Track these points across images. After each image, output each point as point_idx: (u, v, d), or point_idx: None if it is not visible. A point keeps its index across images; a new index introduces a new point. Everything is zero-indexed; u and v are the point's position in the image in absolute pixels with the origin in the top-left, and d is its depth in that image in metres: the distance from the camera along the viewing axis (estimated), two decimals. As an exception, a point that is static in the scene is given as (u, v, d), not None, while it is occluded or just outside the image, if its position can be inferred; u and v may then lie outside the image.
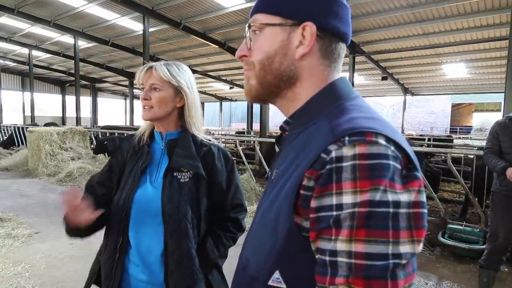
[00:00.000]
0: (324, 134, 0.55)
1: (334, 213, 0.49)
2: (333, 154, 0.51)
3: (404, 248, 0.47)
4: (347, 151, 0.50)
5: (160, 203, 1.19)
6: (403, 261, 0.47)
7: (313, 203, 0.52)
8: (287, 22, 0.64)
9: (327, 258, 0.50)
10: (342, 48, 0.67)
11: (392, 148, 0.51)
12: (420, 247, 0.50)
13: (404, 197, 0.48)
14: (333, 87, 0.64)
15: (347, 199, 0.48)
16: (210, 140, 1.32)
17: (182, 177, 1.23)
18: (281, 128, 0.70)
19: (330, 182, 0.50)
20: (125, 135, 1.45)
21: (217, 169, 1.28)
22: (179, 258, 1.18)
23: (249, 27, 0.68)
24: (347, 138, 0.51)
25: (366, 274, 0.46)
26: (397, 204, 0.48)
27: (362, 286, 0.46)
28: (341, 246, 0.48)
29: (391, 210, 0.47)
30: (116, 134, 9.29)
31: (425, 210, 0.51)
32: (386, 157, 0.49)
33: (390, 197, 0.47)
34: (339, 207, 0.49)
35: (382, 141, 0.50)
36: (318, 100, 0.64)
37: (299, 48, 0.63)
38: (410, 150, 0.53)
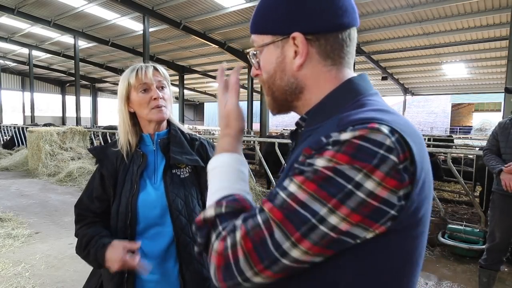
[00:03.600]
0: (331, 125, 0.56)
1: (305, 167, 0.52)
2: (332, 138, 0.52)
3: (334, 220, 0.49)
4: (345, 135, 0.51)
5: (166, 202, 1.19)
6: (325, 229, 0.49)
7: (296, 164, 0.55)
8: (277, 38, 0.65)
9: (278, 189, 0.54)
10: (346, 37, 0.64)
11: (393, 139, 0.49)
12: (355, 231, 0.50)
13: (373, 185, 0.48)
14: (350, 84, 0.63)
15: (320, 162, 0.51)
16: (195, 134, 1.36)
17: (182, 173, 1.25)
18: (297, 124, 0.70)
19: (317, 152, 0.52)
20: (109, 142, 1.40)
21: None
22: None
23: (249, 52, 0.72)
24: (350, 127, 0.51)
25: (288, 215, 0.51)
26: (359, 185, 0.48)
27: (278, 220, 0.51)
28: (291, 186, 0.52)
29: (349, 186, 0.48)
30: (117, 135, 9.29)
31: (381, 206, 0.49)
32: (380, 145, 0.49)
33: (359, 178, 0.48)
34: (311, 164, 0.52)
35: (384, 129, 0.50)
36: (334, 97, 0.63)
37: (296, 59, 0.63)
38: (416, 148, 0.51)
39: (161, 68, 1.27)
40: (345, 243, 0.51)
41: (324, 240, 0.50)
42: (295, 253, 0.51)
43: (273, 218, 0.52)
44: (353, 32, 0.65)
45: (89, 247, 1.17)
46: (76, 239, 1.27)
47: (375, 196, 0.49)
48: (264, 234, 0.52)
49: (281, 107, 0.71)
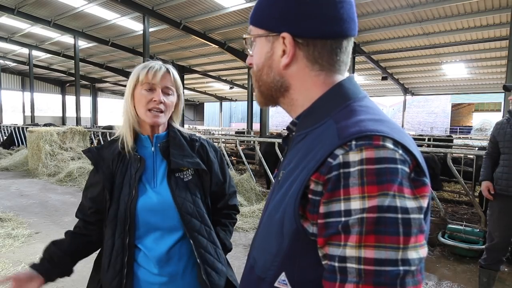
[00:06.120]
0: (331, 137, 0.55)
1: (343, 219, 0.49)
2: (340, 159, 0.50)
3: (412, 254, 0.48)
4: (353, 156, 0.49)
5: (174, 206, 1.18)
6: (412, 268, 0.47)
7: (322, 209, 0.52)
8: (269, 33, 0.65)
9: (336, 264, 0.50)
10: (336, 46, 0.63)
11: (400, 151, 0.50)
12: (425, 251, 0.50)
13: (412, 203, 0.49)
14: (340, 88, 0.63)
15: (355, 204, 0.48)
16: (195, 134, 1.34)
17: (185, 176, 1.23)
18: (288, 128, 0.71)
19: (338, 188, 0.50)
20: (103, 143, 1.38)
21: (212, 161, 1.31)
22: (213, 248, 1.22)
23: (245, 39, 0.72)
24: (354, 142, 0.50)
25: (376, 281, 0.46)
26: (405, 210, 0.48)
27: None
28: (350, 252, 0.48)
29: (399, 216, 0.47)
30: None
31: (423, 215, 0.51)
32: (394, 161, 0.49)
33: (399, 202, 0.48)
34: (348, 213, 0.49)
35: (389, 144, 0.50)
36: (324, 101, 0.63)
37: (283, 58, 0.64)
38: (418, 153, 0.53)
39: (174, 73, 1.24)
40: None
41: (420, 276, 0.49)
42: None
43: None
44: (346, 42, 0.64)
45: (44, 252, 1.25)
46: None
47: (419, 209, 0.49)
48: None
49: (267, 101, 0.72)
